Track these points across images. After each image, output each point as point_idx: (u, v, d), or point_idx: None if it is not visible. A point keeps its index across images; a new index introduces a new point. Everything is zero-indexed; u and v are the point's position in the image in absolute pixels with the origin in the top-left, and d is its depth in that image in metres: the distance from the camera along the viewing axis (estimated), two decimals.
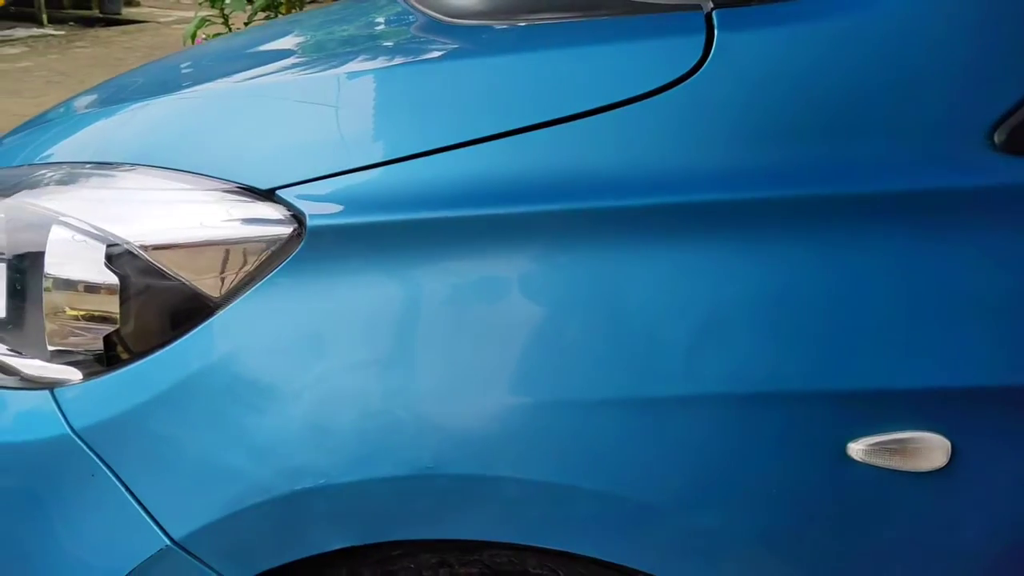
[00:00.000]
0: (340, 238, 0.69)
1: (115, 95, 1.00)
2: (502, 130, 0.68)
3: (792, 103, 0.65)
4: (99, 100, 1.02)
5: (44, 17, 10.40)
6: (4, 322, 0.79)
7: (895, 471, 0.62)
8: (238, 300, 0.70)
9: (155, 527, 0.71)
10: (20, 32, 9.83)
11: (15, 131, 1.01)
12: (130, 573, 0.72)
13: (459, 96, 0.73)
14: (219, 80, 0.96)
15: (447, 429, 0.67)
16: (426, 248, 0.68)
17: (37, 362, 0.76)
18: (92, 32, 10.15)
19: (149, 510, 0.71)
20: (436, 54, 0.85)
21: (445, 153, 0.69)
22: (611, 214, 0.66)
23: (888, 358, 0.63)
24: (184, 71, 1.06)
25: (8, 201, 0.80)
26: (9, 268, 0.78)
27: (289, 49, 1.08)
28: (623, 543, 0.69)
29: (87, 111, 0.98)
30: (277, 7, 3.43)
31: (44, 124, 0.96)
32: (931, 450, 0.62)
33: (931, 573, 0.65)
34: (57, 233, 0.75)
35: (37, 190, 0.79)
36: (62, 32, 9.94)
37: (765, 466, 0.64)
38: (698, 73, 0.66)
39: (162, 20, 10.54)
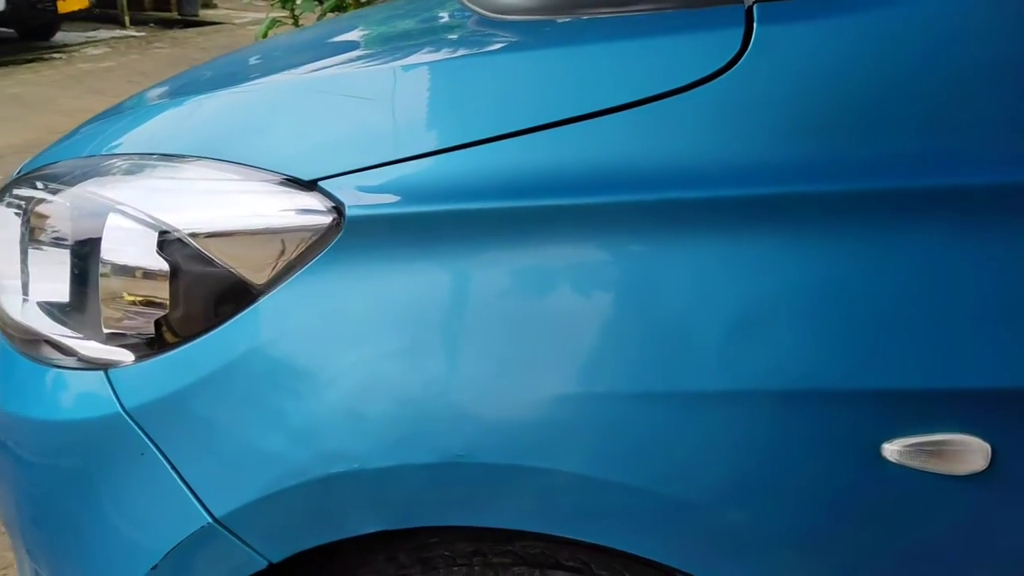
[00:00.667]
0: (378, 228, 0.70)
1: (183, 88, 1.04)
2: (537, 124, 0.69)
3: (832, 97, 0.64)
4: (168, 92, 1.05)
5: (126, 19, 10.79)
6: (66, 306, 0.83)
7: (931, 473, 0.61)
8: (279, 287, 0.72)
9: (198, 505, 0.74)
10: (104, 33, 10.21)
11: (89, 121, 1.05)
12: (173, 549, 0.75)
13: (497, 90, 0.74)
14: (275, 74, 0.99)
15: (479, 418, 0.67)
16: (463, 239, 0.69)
17: (93, 344, 0.80)
18: (170, 33, 10.48)
19: (193, 488, 0.74)
20: (479, 49, 0.86)
21: (483, 146, 0.70)
22: (649, 207, 0.66)
23: (927, 357, 0.61)
24: (247, 65, 1.10)
25: (73, 190, 0.84)
26: (72, 255, 0.82)
27: (343, 43, 1.11)
28: (653, 538, 0.68)
29: (154, 103, 1.02)
30: (345, 7, 3.50)
31: (116, 115, 1.00)
32: (970, 453, 0.60)
33: None
34: (113, 221, 0.78)
35: (99, 179, 0.83)
36: (142, 33, 10.30)
37: (797, 464, 0.64)
38: (736, 66, 0.66)
39: (236, 21, 10.83)
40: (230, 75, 1.05)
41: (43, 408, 0.83)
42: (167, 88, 1.09)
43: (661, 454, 0.65)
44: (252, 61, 1.13)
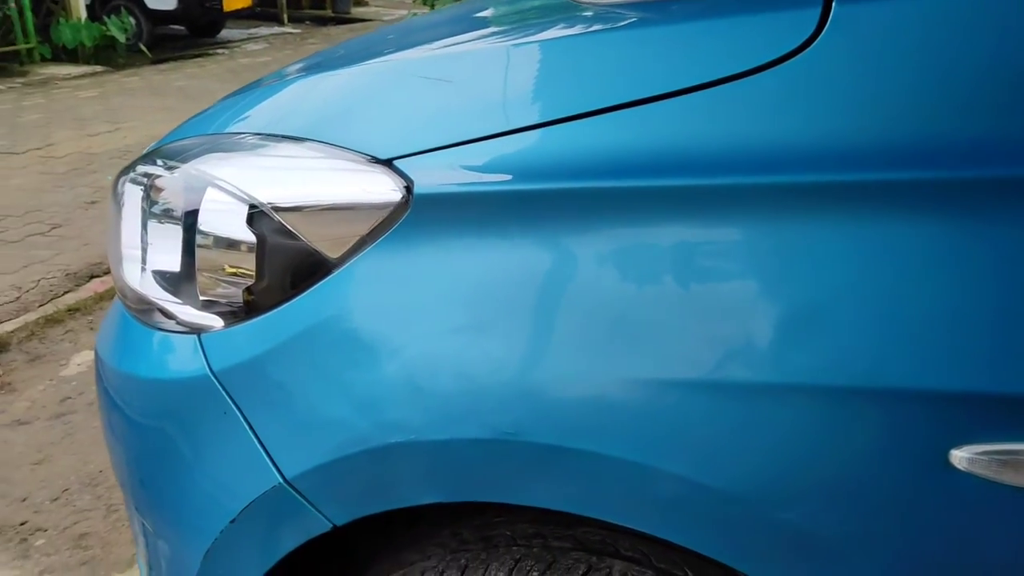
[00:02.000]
0: (444, 206, 0.72)
1: (313, 65, 1.08)
2: (608, 105, 0.68)
3: (914, 79, 0.60)
4: (296, 70, 1.10)
5: (284, 16, 11.39)
6: (172, 274, 0.89)
7: (1003, 484, 0.56)
8: (351, 262, 0.75)
9: (271, 465, 0.78)
10: (263, 30, 10.83)
11: (223, 98, 1.12)
12: (248, 506, 0.80)
13: (574, 71, 0.74)
14: (380, 57, 1.01)
15: (531, 397, 0.68)
16: (527, 219, 0.69)
17: (190, 309, 0.86)
18: (324, 30, 10.97)
19: (267, 449, 0.78)
20: (562, 32, 0.86)
21: (555, 126, 0.70)
22: (713, 191, 0.64)
23: (1007, 360, 0.56)
24: (365, 47, 1.14)
25: (185, 167, 0.90)
26: (179, 227, 0.88)
27: (445, 28, 1.13)
28: (705, 533, 0.67)
29: (272, 84, 1.07)
30: None
31: (243, 94, 1.06)
32: None
33: None
34: (211, 195, 0.83)
35: (207, 157, 0.88)
36: (298, 30, 10.84)
37: (856, 466, 0.60)
38: (813, 45, 0.63)
39: (385, 18, 11.20)
40: (346, 56, 1.09)
41: (148, 367, 0.90)
42: (301, 65, 1.14)
43: (717, 447, 0.63)
44: (368, 43, 1.17)
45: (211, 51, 9.62)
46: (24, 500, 1.98)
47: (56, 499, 1.97)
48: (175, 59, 9.27)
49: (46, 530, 1.85)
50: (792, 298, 0.61)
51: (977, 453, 0.57)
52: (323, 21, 11.54)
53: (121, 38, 8.95)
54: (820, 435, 0.61)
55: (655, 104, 0.67)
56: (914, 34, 0.60)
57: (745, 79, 0.65)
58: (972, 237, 0.58)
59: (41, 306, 3.14)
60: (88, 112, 6.59)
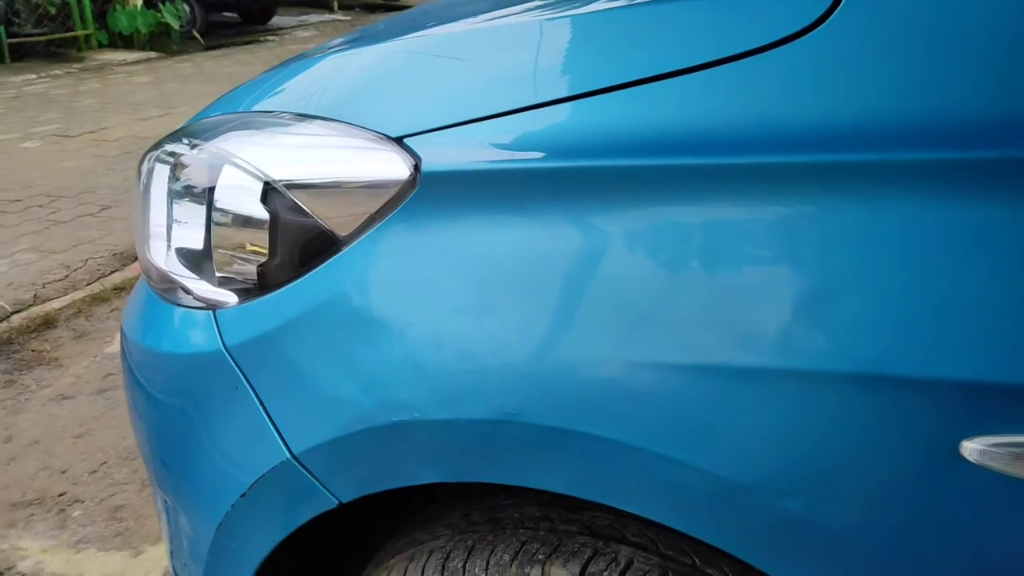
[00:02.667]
0: (452, 184, 0.71)
1: (346, 42, 1.08)
2: (615, 83, 0.67)
3: (936, 53, 0.58)
4: (329, 48, 1.09)
5: (335, 4, 11.47)
6: (193, 252, 0.90)
7: (1016, 478, 0.54)
8: (359, 240, 0.75)
9: (279, 440, 0.78)
10: (313, 18, 10.93)
11: (257, 77, 1.12)
12: (258, 480, 0.80)
13: (585, 48, 0.73)
14: (407, 35, 1.01)
15: (533, 378, 0.67)
16: (535, 199, 0.68)
17: (207, 285, 0.86)
18: (373, 17, 11.04)
19: (276, 424, 0.79)
20: (578, 9, 0.85)
21: (564, 104, 0.69)
22: (721, 170, 0.63)
23: (1022, 349, 0.54)
24: (400, 24, 1.13)
25: (206, 145, 0.91)
26: (199, 205, 0.89)
27: (469, 6, 1.12)
28: (707, 520, 0.65)
29: (298, 64, 1.07)
30: None
31: (270, 72, 1.06)
32: None
33: None
34: (227, 172, 0.84)
35: (229, 135, 0.89)
36: (348, 17, 10.92)
37: (862, 456, 0.58)
38: (829, 19, 0.61)
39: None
40: (376, 34, 1.09)
41: (168, 343, 0.91)
42: (333, 43, 1.13)
43: (716, 432, 0.62)
44: (398, 21, 1.16)
45: (262, 38, 9.74)
46: (64, 472, 2.03)
47: (94, 472, 2.02)
48: (226, 46, 9.42)
49: (83, 501, 1.91)
50: (800, 282, 0.60)
51: (989, 445, 0.54)
52: (372, 8, 11.61)
53: (175, 25, 9.13)
54: (826, 424, 0.59)
55: (662, 83, 0.66)
56: (931, 7, 0.58)
57: (767, 52, 0.62)
58: (989, 221, 0.55)
59: (88, 285, 3.23)
60: (141, 97, 6.73)
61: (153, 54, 8.79)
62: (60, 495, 1.94)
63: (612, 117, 0.66)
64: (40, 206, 4.13)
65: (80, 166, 4.81)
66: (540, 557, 0.78)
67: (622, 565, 0.75)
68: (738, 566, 0.73)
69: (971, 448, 0.55)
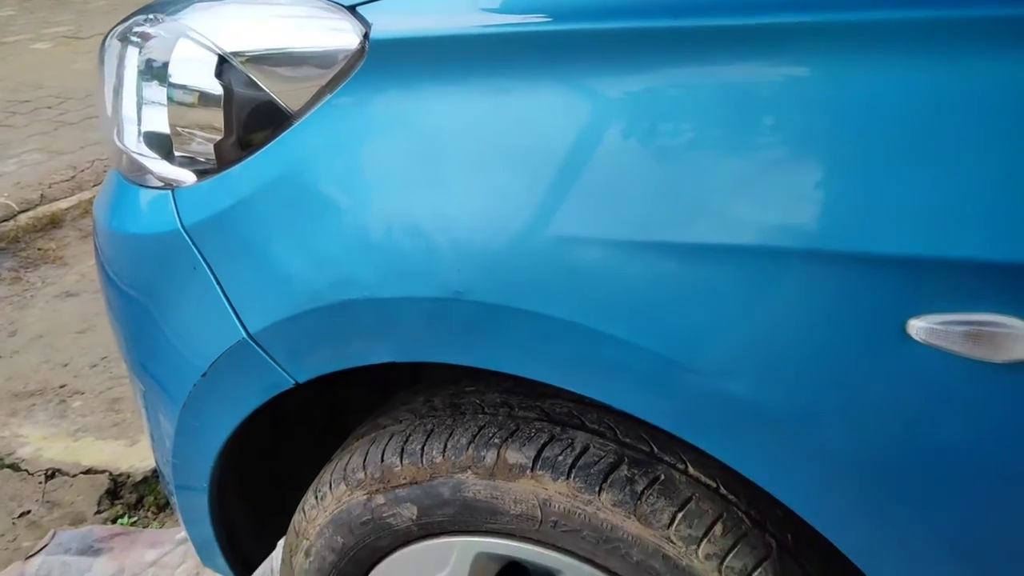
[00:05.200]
0: (401, 53, 0.68)
1: None
2: None
3: None
4: None
5: None
6: (155, 132, 0.88)
7: (963, 358, 0.52)
8: (309, 114, 0.72)
9: (236, 320, 0.77)
10: None
11: None
12: (216, 360, 0.80)
13: None
14: None
15: (479, 256, 0.65)
16: (488, 68, 0.65)
17: (166, 165, 0.84)
18: None
19: (233, 304, 0.78)
20: None
21: None
22: (656, 34, 0.59)
23: (977, 223, 0.51)
24: None
25: (168, 19, 0.87)
26: (161, 84, 0.86)
27: None
28: (651, 400, 0.64)
29: None
30: None
31: None
32: (1015, 338, 0.50)
33: (996, 480, 0.54)
34: (182, 46, 0.81)
35: (190, 10, 0.86)
36: None
37: (807, 334, 0.56)
38: None
39: None
40: None
41: (132, 224, 0.90)
42: None
43: (661, 311, 0.60)
44: None
45: None
46: (66, 365, 2.07)
47: (95, 366, 2.06)
48: None
49: (83, 393, 1.95)
50: (743, 157, 0.56)
51: (937, 323, 0.52)
52: None
53: None
54: (767, 301, 0.57)
55: None
56: None
57: None
58: (936, 90, 0.52)
59: (95, 185, 3.22)
60: None
61: None
62: (61, 387, 1.98)
63: None
64: (49, 107, 4.10)
65: (90, 68, 4.74)
66: (496, 441, 0.77)
67: (578, 450, 0.75)
68: (695, 454, 0.72)
69: (918, 327, 0.53)
